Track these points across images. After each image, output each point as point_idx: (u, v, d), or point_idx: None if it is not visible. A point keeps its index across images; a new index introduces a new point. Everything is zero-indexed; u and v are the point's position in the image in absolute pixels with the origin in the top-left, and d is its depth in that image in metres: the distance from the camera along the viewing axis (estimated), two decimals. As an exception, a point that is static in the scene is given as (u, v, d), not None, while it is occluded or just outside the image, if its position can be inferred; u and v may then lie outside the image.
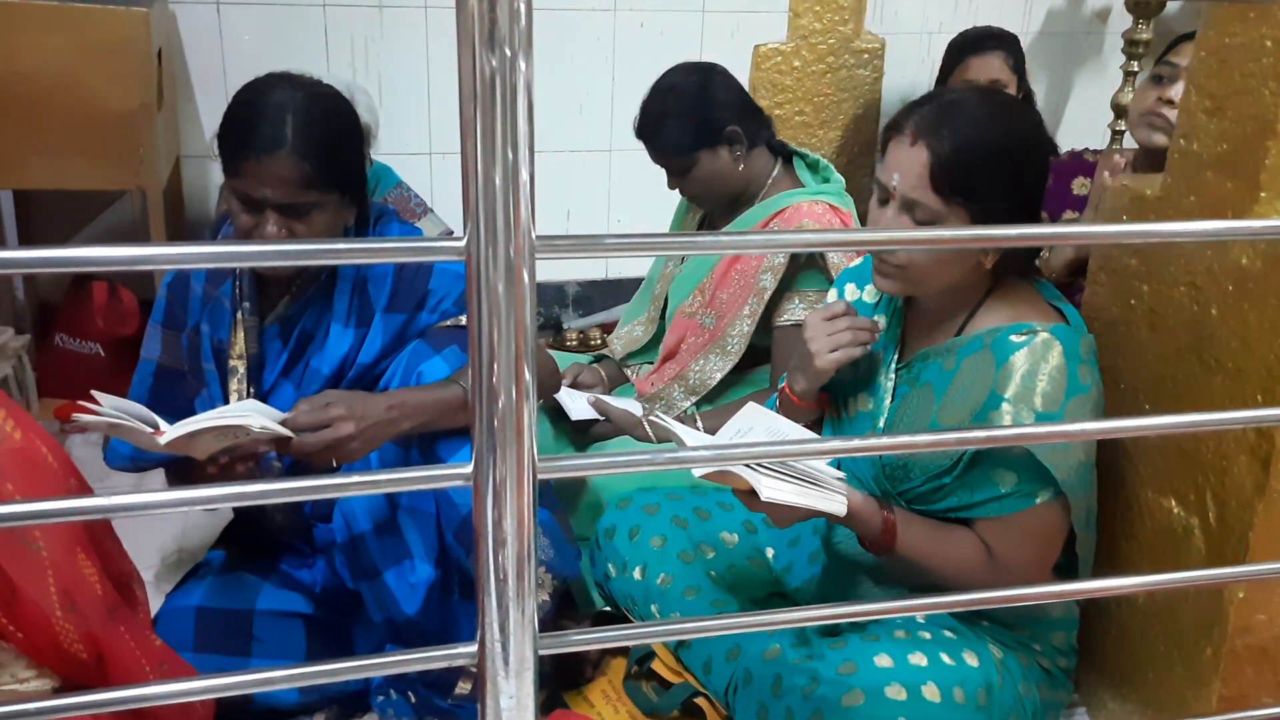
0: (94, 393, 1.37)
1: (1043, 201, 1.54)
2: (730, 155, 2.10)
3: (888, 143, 1.49)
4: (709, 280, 2.20)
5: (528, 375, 0.65)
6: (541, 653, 0.73)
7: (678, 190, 2.20)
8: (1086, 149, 2.44)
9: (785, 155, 2.21)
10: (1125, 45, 3.15)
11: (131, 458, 1.69)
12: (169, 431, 1.36)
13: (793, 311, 2.06)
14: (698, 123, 2.07)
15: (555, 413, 2.16)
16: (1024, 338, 1.45)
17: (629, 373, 2.39)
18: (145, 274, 2.70)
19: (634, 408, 2.12)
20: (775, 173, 2.17)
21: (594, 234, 0.71)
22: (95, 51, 2.34)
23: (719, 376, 2.13)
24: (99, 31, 2.35)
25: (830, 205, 2.11)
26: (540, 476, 0.68)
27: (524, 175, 0.62)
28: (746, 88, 2.26)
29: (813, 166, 2.21)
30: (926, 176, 1.42)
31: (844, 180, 2.19)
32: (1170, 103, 2.10)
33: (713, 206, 2.22)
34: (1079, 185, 2.38)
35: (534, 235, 0.63)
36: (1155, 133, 2.13)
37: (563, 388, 2.17)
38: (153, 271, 2.29)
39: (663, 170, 2.16)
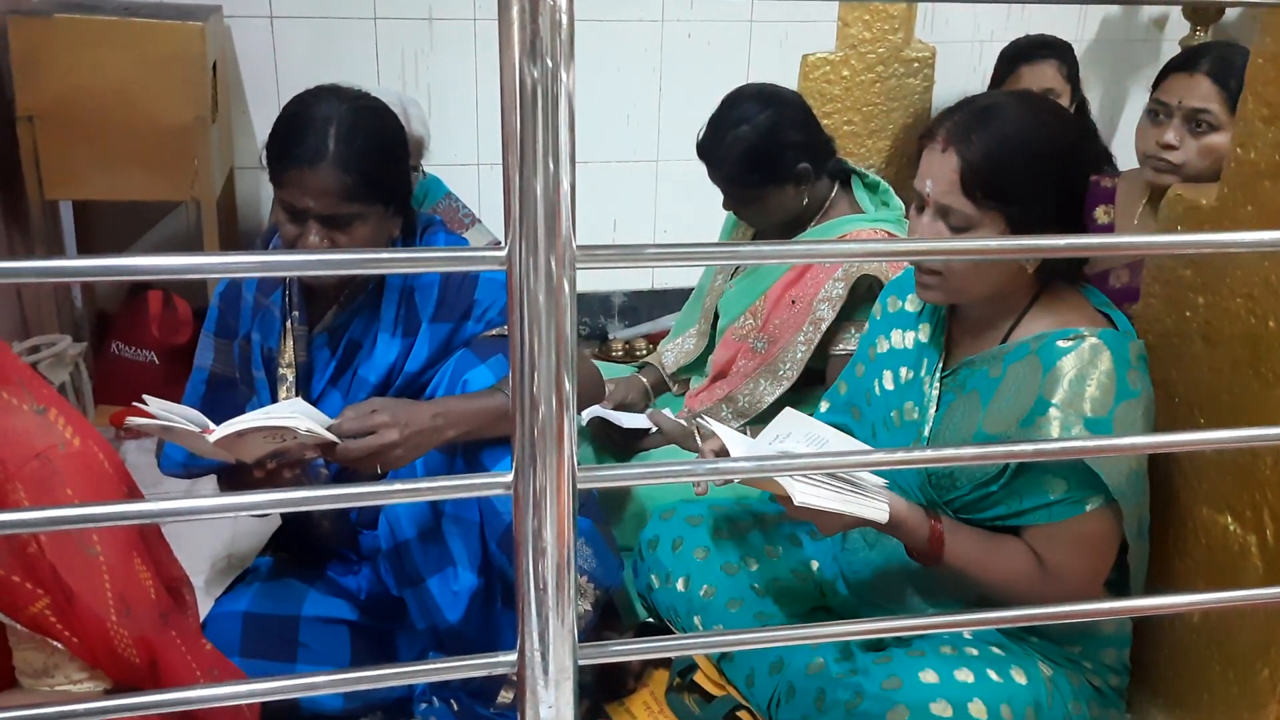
0: (145, 396, 1.40)
1: (1084, 206, 1.52)
2: (796, 190, 2.08)
3: (922, 151, 1.49)
4: (761, 304, 2.17)
5: (568, 385, 0.66)
6: (581, 663, 0.73)
7: (731, 211, 2.19)
8: (1105, 174, 2.39)
9: (843, 175, 2.18)
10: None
11: (184, 463, 1.72)
12: (217, 431, 1.39)
13: (848, 341, 2.04)
14: (768, 162, 2.04)
15: (601, 435, 2.15)
16: (1071, 343, 1.43)
17: (677, 387, 2.38)
18: (199, 284, 2.74)
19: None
20: (832, 195, 2.14)
21: (635, 244, 0.72)
22: (152, 66, 2.39)
23: (770, 400, 2.11)
24: (156, 46, 2.40)
25: (888, 233, 2.07)
26: (580, 486, 0.69)
27: (565, 185, 0.62)
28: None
29: (871, 187, 2.17)
30: (958, 182, 1.42)
31: (903, 205, 2.15)
32: (1169, 146, 2.05)
33: (766, 229, 2.20)
34: (1101, 214, 2.33)
35: (575, 245, 0.63)
36: (1161, 175, 2.08)
37: (613, 411, 2.17)
38: (206, 281, 2.33)
39: (716, 188, 2.14)
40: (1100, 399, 1.40)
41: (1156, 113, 2.09)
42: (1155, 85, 2.14)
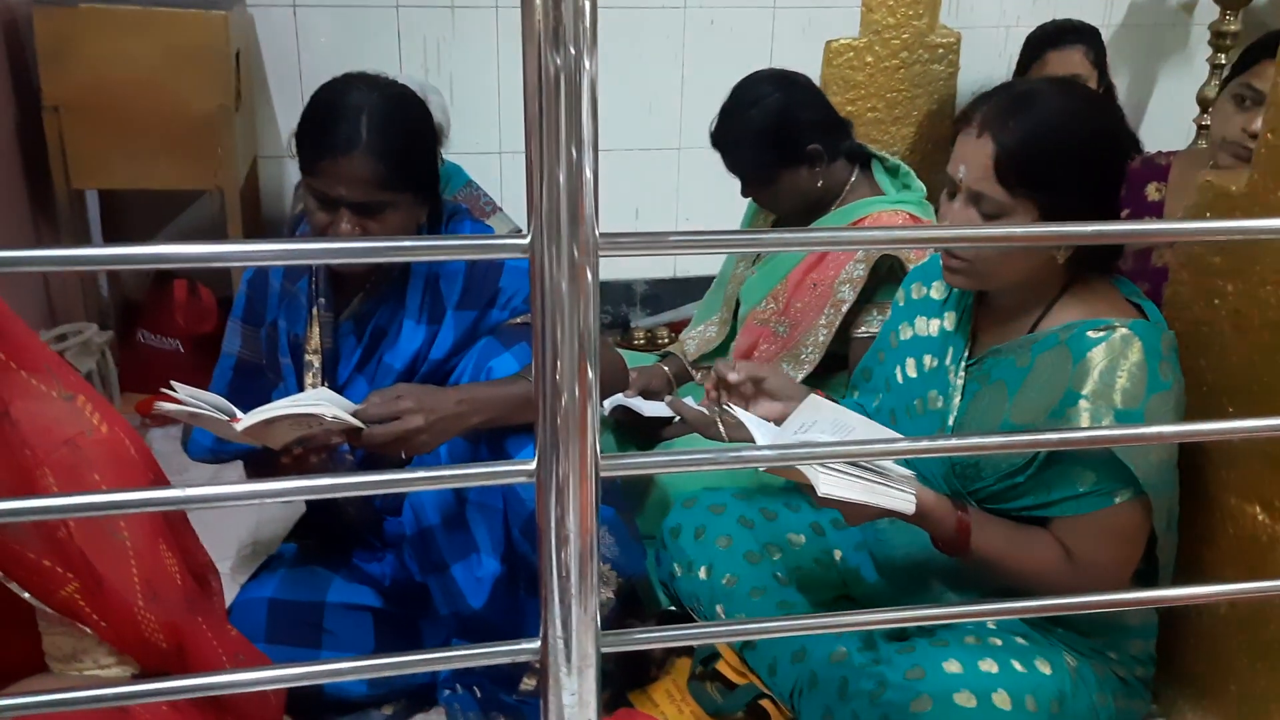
0: (173, 383, 1.42)
1: (1119, 196, 1.50)
2: (809, 172, 2.07)
3: (957, 135, 1.47)
4: (783, 288, 2.17)
5: (590, 373, 0.65)
6: (604, 650, 0.73)
7: (750, 198, 2.19)
8: (1159, 151, 2.36)
9: (863, 159, 2.17)
10: (1212, 38, 3.05)
11: (211, 449, 1.74)
12: (245, 419, 1.40)
13: (870, 324, 2.03)
14: (779, 143, 2.04)
15: (621, 424, 2.15)
16: (1102, 333, 1.41)
17: (700, 376, 2.38)
18: (224, 273, 2.76)
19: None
20: (853, 179, 2.13)
21: (657, 232, 0.71)
22: (176, 55, 2.41)
23: None
24: (180, 35, 2.41)
25: (910, 215, 2.06)
26: (603, 474, 0.68)
27: (588, 173, 0.62)
28: (817, 84, 2.22)
29: (892, 171, 2.17)
30: (991, 168, 1.40)
31: (925, 187, 2.14)
32: (1255, 136, 2.00)
33: (786, 214, 2.19)
34: (1154, 190, 2.30)
35: (597, 233, 0.63)
36: (1242, 163, 2.02)
37: (635, 398, 2.17)
38: (231, 271, 2.34)
39: (735, 176, 2.13)
40: (1131, 391, 1.38)
41: (1244, 98, 1.99)
42: (1241, 68, 2.04)
